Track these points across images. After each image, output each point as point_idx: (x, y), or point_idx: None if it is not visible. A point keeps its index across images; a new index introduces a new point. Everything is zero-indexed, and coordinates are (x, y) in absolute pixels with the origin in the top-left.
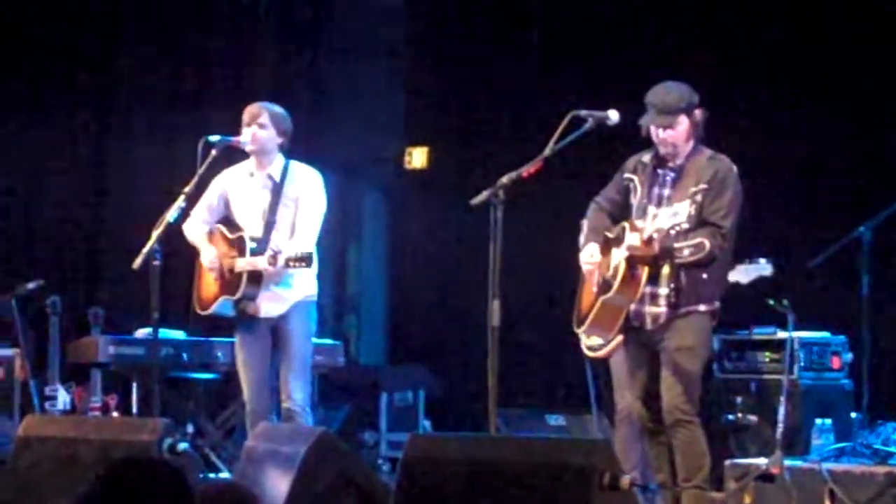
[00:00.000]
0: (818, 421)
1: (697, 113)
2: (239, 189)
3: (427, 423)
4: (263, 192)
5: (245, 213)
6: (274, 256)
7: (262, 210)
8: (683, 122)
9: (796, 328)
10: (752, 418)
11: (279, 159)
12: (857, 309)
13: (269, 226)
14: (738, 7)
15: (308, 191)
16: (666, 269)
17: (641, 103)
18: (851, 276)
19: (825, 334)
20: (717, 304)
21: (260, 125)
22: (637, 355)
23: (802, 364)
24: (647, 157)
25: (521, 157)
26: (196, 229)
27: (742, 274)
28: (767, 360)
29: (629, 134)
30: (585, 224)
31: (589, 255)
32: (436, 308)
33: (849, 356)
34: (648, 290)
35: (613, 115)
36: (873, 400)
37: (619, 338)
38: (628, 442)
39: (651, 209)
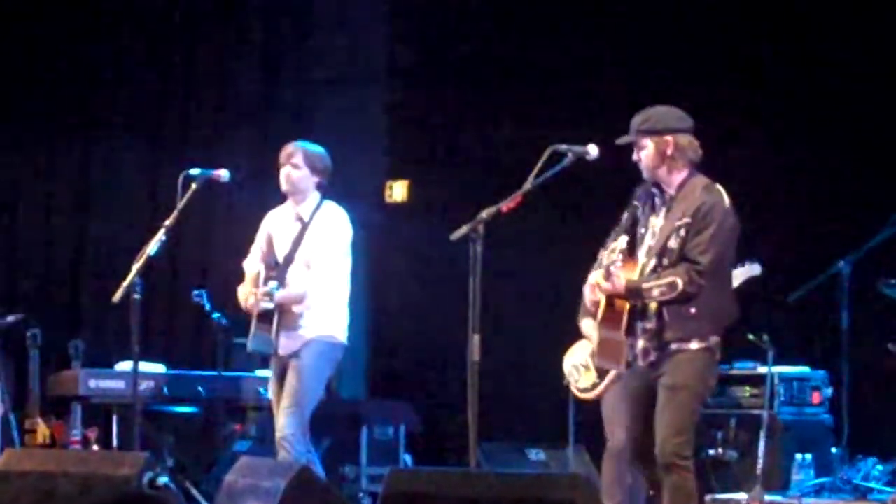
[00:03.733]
0: (798, 456)
1: (669, 140)
2: (277, 229)
3: (408, 458)
4: (292, 230)
5: (279, 251)
6: (267, 294)
7: (288, 248)
8: (647, 145)
9: (776, 363)
10: (733, 453)
11: (313, 198)
12: (836, 344)
13: (287, 262)
14: (719, 42)
15: (326, 229)
16: (653, 305)
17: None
18: (831, 311)
19: (805, 369)
20: (712, 339)
21: (294, 165)
22: (633, 391)
23: (782, 399)
24: (651, 185)
25: (502, 191)
26: (249, 268)
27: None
28: (748, 394)
29: (610, 170)
30: (601, 252)
31: (594, 283)
32: (417, 342)
33: (829, 391)
34: (640, 324)
35: (593, 150)
36: (853, 435)
37: (610, 377)
38: (616, 478)
39: (647, 239)
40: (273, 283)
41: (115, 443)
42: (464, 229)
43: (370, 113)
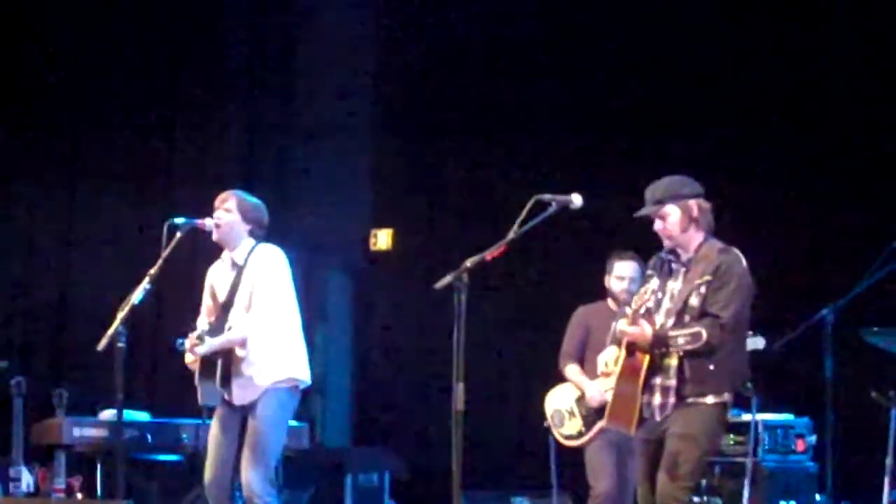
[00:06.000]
0: (782, 503)
1: (693, 203)
2: (217, 279)
3: None
4: (229, 277)
5: (220, 299)
6: (198, 338)
7: (226, 294)
8: (673, 213)
9: (760, 410)
10: (717, 501)
11: (247, 244)
12: (821, 391)
13: (226, 308)
14: (709, 89)
15: (262, 269)
16: (673, 361)
17: (602, 187)
18: (815, 359)
19: (789, 417)
20: (726, 395)
21: (226, 209)
22: (645, 447)
23: (767, 446)
24: (664, 253)
25: (486, 240)
26: (201, 325)
27: None
28: (732, 442)
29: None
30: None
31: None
32: (401, 389)
33: (813, 438)
34: (658, 381)
35: (577, 200)
36: (837, 482)
37: (597, 427)
38: None
39: (665, 302)
40: (202, 327)
41: (99, 491)
42: (448, 278)
43: (355, 161)
